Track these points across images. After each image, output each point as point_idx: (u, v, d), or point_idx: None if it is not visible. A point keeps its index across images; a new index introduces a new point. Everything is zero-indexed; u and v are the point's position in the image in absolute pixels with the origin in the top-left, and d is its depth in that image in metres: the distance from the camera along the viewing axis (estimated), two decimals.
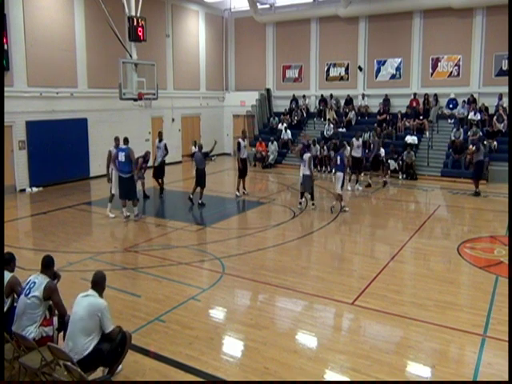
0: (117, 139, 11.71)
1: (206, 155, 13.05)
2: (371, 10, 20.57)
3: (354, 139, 15.59)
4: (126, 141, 11.55)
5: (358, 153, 15.59)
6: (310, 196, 12.66)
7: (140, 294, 7.20)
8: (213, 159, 21.34)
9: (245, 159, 14.48)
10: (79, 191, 14.59)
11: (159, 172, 14.37)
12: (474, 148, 14.67)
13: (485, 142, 17.10)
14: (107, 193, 11.94)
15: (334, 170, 13.35)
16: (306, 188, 12.49)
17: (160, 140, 14.34)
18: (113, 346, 4.61)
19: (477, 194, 14.28)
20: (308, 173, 12.25)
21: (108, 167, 11.78)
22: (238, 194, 14.38)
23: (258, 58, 24.20)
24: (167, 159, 14.93)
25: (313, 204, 12.69)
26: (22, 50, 14.92)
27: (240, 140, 14.35)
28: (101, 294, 4.72)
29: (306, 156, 12.37)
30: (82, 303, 4.57)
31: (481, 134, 17.40)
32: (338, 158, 12.31)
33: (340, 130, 20.43)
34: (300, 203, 12.71)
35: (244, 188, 14.63)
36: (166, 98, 19.84)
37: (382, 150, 17.80)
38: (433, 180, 17.02)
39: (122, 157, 11.25)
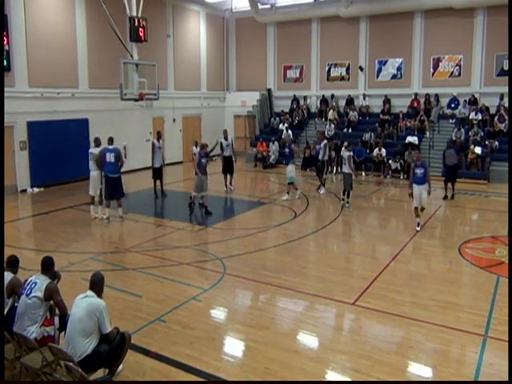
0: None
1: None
2: (372, 10, 20.57)
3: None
4: (111, 140, 11.39)
5: (321, 156, 14.60)
6: (347, 194, 12.77)
7: (141, 294, 7.20)
8: (213, 159, 21.32)
9: (228, 157, 15.05)
10: (80, 191, 14.57)
11: (160, 173, 14.27)
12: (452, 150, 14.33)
13: (486, 142, 17.11)
14: None
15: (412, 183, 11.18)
16: (346, 185, 12.68)
17: (159, 139, 14.25)
18: (112, 348, 4.60)
19: (450, 196, 13.89)
20: (349, 171, 12.55)
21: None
22: (225, 189, 15.09)
23: (259, 58, 24.19)
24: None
25: (347, 202, 12.78)
26: (24, 51, 14.95)
27: (222, 140, 14.91)
28: (99, 295, 4.70)
29: (346, 154, 12.68)
30: (81, 304, 4.56)
31: (482, 133, 17.40)
32: (422, 170, 10.81)
33: (345, 130, 20.47)
34: (343, 199, 12.89)
35: (230, 184, 15.26)
36: (167, 98, 19.83)
37: (383, 151, 17.90)
38: (434, 180, 16.70)
39: (110, 157, 11.13)
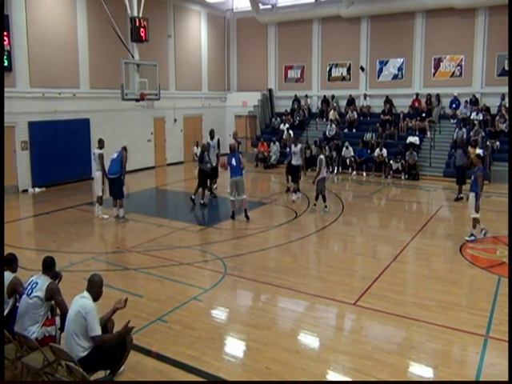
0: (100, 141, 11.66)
1: (203, 158, 13.12)
2: (373, 10, 20.57)
3: (292, 145, 14.01)
4: (124, 148, 11.60)
5: (296, 160, 13.88)
6: (323, 197, 12.26)
7: (142, 294, 7.20)
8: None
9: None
10: (81, 192, 14.61)
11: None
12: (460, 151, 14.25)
13: (487, 143, 17.08)
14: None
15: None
16: (323, 189, 12.18)
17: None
18: (111, 350, 4.56)
19: (455, 199, 13.78)
20: (325, 175, 12.27)
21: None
22: (208, 192, 14.33)
23: (260, 58, 24.20)
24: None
25: (326, 207, 12.33)
26: (25, 51, 14.97)
27: (208, 140, 14.61)
28: (95, 297, 4.62)
29: (323, 157, 12.35)
30: (75, 305, 4.55)
31: (483, 134, 17.37)
32: (472, 177, 10.09)
33: (345, 130, 20.48)
34: (314, 204, 12.46)
35: (214, 187, 14.70)
36: (168, 98, 19.82)
37: (385, 151, 17.89)
38: (435, 180, 16.98)
39: (113, 155, 11.31)
